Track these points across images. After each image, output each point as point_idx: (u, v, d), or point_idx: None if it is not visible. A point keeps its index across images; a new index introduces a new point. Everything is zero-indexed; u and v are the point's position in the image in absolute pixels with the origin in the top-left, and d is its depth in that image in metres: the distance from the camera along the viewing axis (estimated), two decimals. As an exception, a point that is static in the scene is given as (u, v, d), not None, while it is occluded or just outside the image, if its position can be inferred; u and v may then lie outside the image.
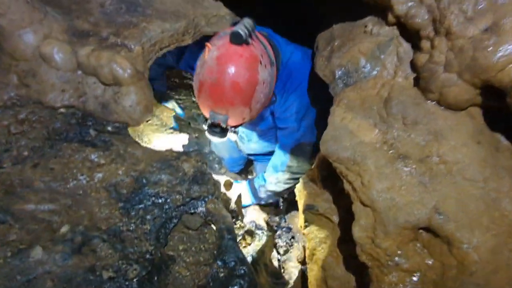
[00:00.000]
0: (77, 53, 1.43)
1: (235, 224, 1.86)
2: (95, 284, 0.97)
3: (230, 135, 1.58)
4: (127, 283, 1.00)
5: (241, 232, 1.84)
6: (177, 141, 2.42)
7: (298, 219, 3.04)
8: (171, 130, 2.45)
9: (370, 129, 1.37)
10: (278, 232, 2.99)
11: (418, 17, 1.27)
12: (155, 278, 1.07)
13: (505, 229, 1.06)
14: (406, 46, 1.45)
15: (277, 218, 3.13)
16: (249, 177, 2.63)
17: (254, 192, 2.35)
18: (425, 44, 1.29)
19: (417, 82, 1.36)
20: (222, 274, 1.13)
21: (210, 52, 1.38)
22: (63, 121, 1.38)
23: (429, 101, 1.32)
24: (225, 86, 1.35)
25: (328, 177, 1.86)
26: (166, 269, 1.13)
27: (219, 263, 1.16)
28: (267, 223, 2.84)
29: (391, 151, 1.30)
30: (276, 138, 2.44)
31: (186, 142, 2.52)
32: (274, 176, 2.15)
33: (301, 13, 2.34)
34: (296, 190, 2.12)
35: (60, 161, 1.24)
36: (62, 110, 1.40)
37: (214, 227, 1.26)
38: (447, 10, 1.14)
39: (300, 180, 2.03)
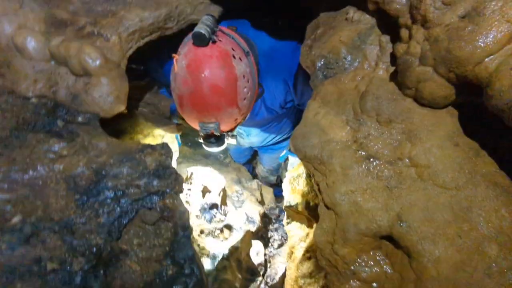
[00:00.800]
0: (49, 43, 1.44)
1: (215, 216, 1.84)
2: (37, 275, 0.98)
3: (229, 141, 1.50)
4: (69, 275, 1.00)
5: (220, 225, 1.82)
6: (172, 131, 2.41)
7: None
8: (167, 120, 2.44)
9: (341, 126, 1.27)
10: (276, 225, 2.95)
11: (396, 2, 1.14)
12: (101, 271, 1.07)
13: (473, 244, 0.95)
14: (388, 36, 1.31)
15: (276, 211, 3.07)
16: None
17: None
18: (404, 33, 1.16)
19: (395, 76, 1.23)
20: (170, 272, 1.12)
21: (179, 62, 1.29)
22: (32, 111, 1.40)
23: (407, 98, 1.19)
24: (205, 93, 1.26)
25: (312, 174, 1.78)
26: (116, 263, 1.13)
27: (169, 260, 1.14)
28: (263, 216, 2.80)
29: (360, 151, 1.20)
30: (278, 130, 2.35)
31: (180, 132, 2.51)
32: None
33: (301, 8, 2.20)
34: (283, 185, 2.06)
35: (23, 151, 1.26)
36: (33, 100, 1.42)
37: (170, 223, 1.24)
38: (422, -6, 1.00)
39: (286, 175, 1.97)
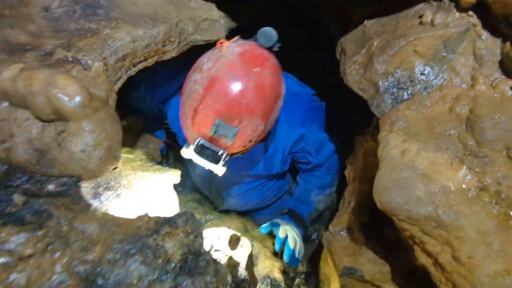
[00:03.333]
0: (-1, 76, 0.95)
1: (248, 298, 1.33)
2: None
3: (217, 168, 1.17)
4: None
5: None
6: (167, 181, 1.91)
7: (321, 264, 2.49)
8: (159, 166, 1.94)
9: (453, 167, 0.88)
10: (297, 281, 2.46)
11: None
12: None
13: None
14: (489, 40, 0.99)
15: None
16: (278, 219, 2.04)
17: (302, 225, 1.91)
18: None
19: (519, 91, 0.88)
20: None
21: (230, 48, 1.11)
22: (-29, 183, 0.87)
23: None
24: (247, 87, 1.07)
25: (372, 225, 1.36)
26: None
27: None
28: (284, 272, 2.29)
29: (498, 204, 0.81)
30: (260, 195, 2.02)
31: (178, 180, 2.00)
32: (324, 195, 1.87)
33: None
34: (324, 242, 1.61)
35: (-47, 258, 0.72)
36: (-28, 164, 0.90)
37: None
38: None
39: (330, 228, 1.52)
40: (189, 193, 2.76)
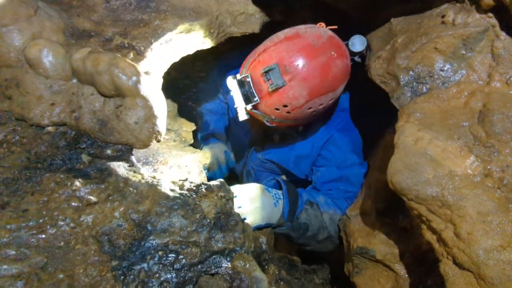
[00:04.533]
0: (71, 57, 1.13)
1: (267, 266, 1.47)
2: None
3: (242, 109, 1.30)
4: None
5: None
6: (198, 160, 2.09)
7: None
8: (191, 147, 2.12)
9: (461, 155, 0.97)
10: (313, 266, 2.57)
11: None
12: None
13: None
14: (507, 40, 1.05)
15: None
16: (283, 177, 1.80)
17: (292, 205, 1.47)
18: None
19: (531, 88, 0.95)
20: None
21: (325, 28, 1.27)
22: (49, 143, 1.07)
23: (554, 116, 0.90)
24: (317, 59, 1.18)
25: (386, 211, 1.45)
26: None
27: None
28: (301, 255, 2.41)
29: (500, 189, 0.89)
30: None
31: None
32: (334, 209, 1.58)
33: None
34: (340, 224, 1.71)
35: (38, 199, 0.92)
36: (49, 128, 1.09)
37: (244, 296, 0.88)
38: None
39: (347, 212, 1.63)
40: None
